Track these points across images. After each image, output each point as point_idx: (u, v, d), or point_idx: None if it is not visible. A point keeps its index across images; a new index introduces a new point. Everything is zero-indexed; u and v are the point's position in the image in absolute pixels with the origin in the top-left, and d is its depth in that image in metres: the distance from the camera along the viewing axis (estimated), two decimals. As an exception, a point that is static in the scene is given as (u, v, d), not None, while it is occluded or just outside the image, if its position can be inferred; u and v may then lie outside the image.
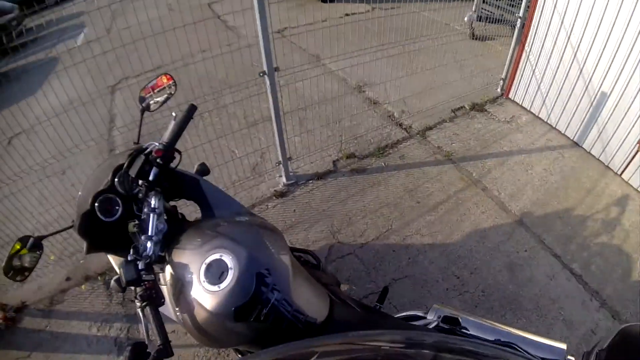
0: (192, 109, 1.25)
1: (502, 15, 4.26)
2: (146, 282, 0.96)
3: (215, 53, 2.37)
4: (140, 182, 1.13)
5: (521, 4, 4.35)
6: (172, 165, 1.24)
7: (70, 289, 2.34)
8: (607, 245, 2.54)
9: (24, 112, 2.05)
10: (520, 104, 3.53)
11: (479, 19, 4.31)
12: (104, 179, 1.17)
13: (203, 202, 1.29)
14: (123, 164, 1.16)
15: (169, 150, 1.17)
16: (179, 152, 1.24)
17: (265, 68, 2.27)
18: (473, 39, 4.38)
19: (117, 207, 1.15)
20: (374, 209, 2.66)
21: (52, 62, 3.76)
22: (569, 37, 2.95)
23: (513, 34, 3.65)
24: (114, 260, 1.27)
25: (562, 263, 2.44)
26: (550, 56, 3.13)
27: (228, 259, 0.96)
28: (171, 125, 1.26)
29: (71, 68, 1.99)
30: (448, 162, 2.98)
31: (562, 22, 2.97)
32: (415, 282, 2.32)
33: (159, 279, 1.10)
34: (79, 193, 1.18)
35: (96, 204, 1.12)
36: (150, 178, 1.12)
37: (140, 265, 0.98)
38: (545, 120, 3.34)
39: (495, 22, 4.14)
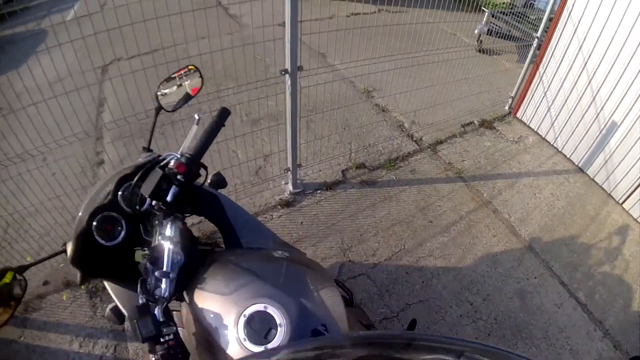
0: (225, 113, 1.07)
1: (510, 31, 4.29)
2: (168, 340, 0.80)
3: (215, 42, 2.14)
4: (154, 203, 0.94)
5: (528, 21, 4.44)
6: (198, 182, 1.07)
7: (49, 295, 2.09)
8: (609, 275, 2.61)
9: (4, 89, 1.75)
10: (528, 124, 3.57)
11: (489, 32, 4.32)
12: (105, 193, 0.98)
13: (225, 226, 1.11)
14: (130, 175, 0.98)
15: (194, 165, 0.99)
16: (205, 168, 1.06)
17: (288, 66, 2.09)
18: (479, 52, 4.39)
19: (119, 228, 0.96)
20: (386, 226, 2.57)
21: (41, 34, 3.32)
22: (585, 64, 3.00)
23: (518, 50, 3.69)
24: (112, 289, 1.06)
25: (568, 291, 2.48)
26: (564, 80, 3.17)
27: (275, 312, 0.79)
28: (193, 131, 1.07)
29: (61, 42, 1.71)
30: (459, 180, 2.95)
31: (580, 48, 3.00)
32: (429, 307, 2.26)
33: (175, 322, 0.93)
34: (79, 214, 0.98)
35: (93, 223, 0.93)
36: (169, 199, 0.93)
37: (158, 314, 0.82)
38: (552, 143, 3.39)
39: (502, 38, 4.16)
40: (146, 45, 2.35)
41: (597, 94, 2.98)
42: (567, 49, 3.12)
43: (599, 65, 2.92)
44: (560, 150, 3.34)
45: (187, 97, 1.26)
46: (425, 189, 2.84)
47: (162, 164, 1.02)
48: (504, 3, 5.58)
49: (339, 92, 3.45)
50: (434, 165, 3.02)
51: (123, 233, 0.96)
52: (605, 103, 2.93)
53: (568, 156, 3.29)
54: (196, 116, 1.09)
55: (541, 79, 3.36)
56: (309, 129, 3.11)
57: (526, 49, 3.64)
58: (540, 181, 3.08)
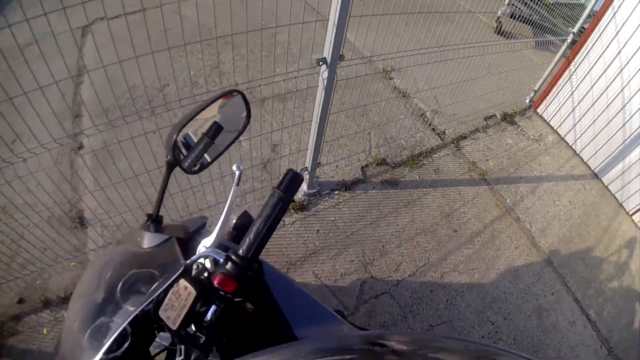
0: (295, 181, 0.71)
1: (530, 15, 4.01)
2: None
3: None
4: (183, 331, 0.65)
5: (544, 3, 4.15)
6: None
7: (25, 317, 1.74)
8: (617, 290, 2.69)
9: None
10: (548, 121, 3.45)
11: (512, 16, 4.02)
12: (103, 292, 0.72)
13: (271, 309, 0.82)
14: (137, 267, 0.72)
15: (249, 277, 0.66)
16: (259, 270, 0.72)
17: (328, 54, 1.69)
18: (497, 33, 4.10)
19: (122, 336, 0.69)
20: (410, 236, 2.38)
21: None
22: (621, 70, 2.85)
23: (535, 36, 3.45)
24: None
25: (581, 308, 2.52)
26: (595, 82, 3.03)
27: None
28: (233, 194, 0.74)
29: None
30: (483, 183, 2.80)
31: (619, 53, 2.84)
32: (452, 328, 2.17)
33: None
34: (66, 314, 0.76)
35: (87, 332, 0.67)
36: (208, 318, 0.65)
37: None
38: (570, 144, 3.32)
39: (522, 21, 3.89)
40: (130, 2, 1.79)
41: (628, 102, 2.87)
42: (604, 51, 2.93)
43: (635, 74, 2.78)
44: (578, 153, 3.29)
45: (211, 136, 0.81)
46: (450, 193, 2.65)
47: (193, 268, 0.71)
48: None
49: (356, 70, 3.04)
50: (457, 165, 2.83)
51: (127, 344, 0.67)
52: (635, 114, 2.84)
53: (585, 160, 3.25)
54: (235, 169, 0.74)
55: (570, 77, 3.19)
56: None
57: (542, 35, 3.42)
58: (560, 187, 3.02)
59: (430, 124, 2.99)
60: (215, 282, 0.63)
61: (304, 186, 2.32)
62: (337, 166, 2.48)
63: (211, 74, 2.96)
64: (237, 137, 0.88)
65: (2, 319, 1.71)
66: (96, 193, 1.77)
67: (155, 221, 0.78)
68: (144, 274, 0.72)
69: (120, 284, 0.70)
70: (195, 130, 0.80)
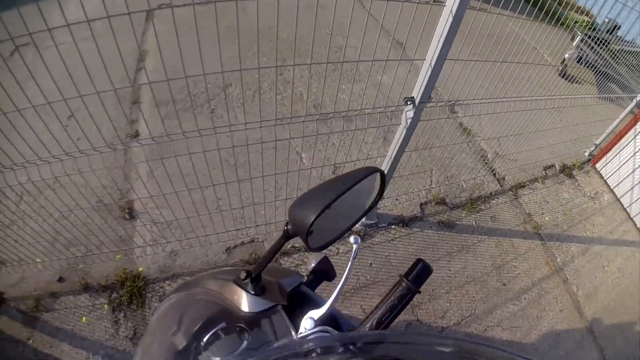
0: (425, 271, 0.74)
1: (596, 60, 3.91)
2: None
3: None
4: None
5: (609, 49, 4.04)
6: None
7: (63, 296, 1.78)
8: (653, 371, 2.66)
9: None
10: (605, 179, 3.39)
11: (579, 60, 3.92)
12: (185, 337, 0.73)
13: None
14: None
15: None
16: None
17: (417, 94, 1.66)
18: (561, 76, 4.01)
19: None
20: (460, 283, 2.37)
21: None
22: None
23: (597, 83, 3.36)
24: None
25: (614, 385, 2.50)
26: (664, 147, 2.96)
27: None
28: (346, 272, 0.73)
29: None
30: (536, 238, 2.77)
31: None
32: (490, 386, 2.15)
33: None
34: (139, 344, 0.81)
35: None
36: None
37: None
38: (625, 207, 3.26)
39: (587, 66, 3.79)
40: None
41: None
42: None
43: None
44: (632, 217, 3.23)
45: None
46: (503, 243, 2.63)
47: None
48: (584, 21, 5.08)
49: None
50: (513, 215, 2.79)
51: None
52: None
53: (638, 226, 3.19)
54: (353, 242, 0.74)
55: (635, 137, 3.12)
56: (387, 140, 2.70)
57: (606, 84, 3.33)
58: (610, 251, 2.98)
59: (490, 167, 2.95)
60: None
61: (363, 216, 2.31)
62: (397, 199, 2.46)
63: (277, 80, 2.94)
64: (361, 217, 0.83)
65: (40, 293, 1.76)
66: (149, 185, 1.76)
67: (254, 280, 0.77)
68: (233, 327, 0.71)
69: (207, 335, 0.70)
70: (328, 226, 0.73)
